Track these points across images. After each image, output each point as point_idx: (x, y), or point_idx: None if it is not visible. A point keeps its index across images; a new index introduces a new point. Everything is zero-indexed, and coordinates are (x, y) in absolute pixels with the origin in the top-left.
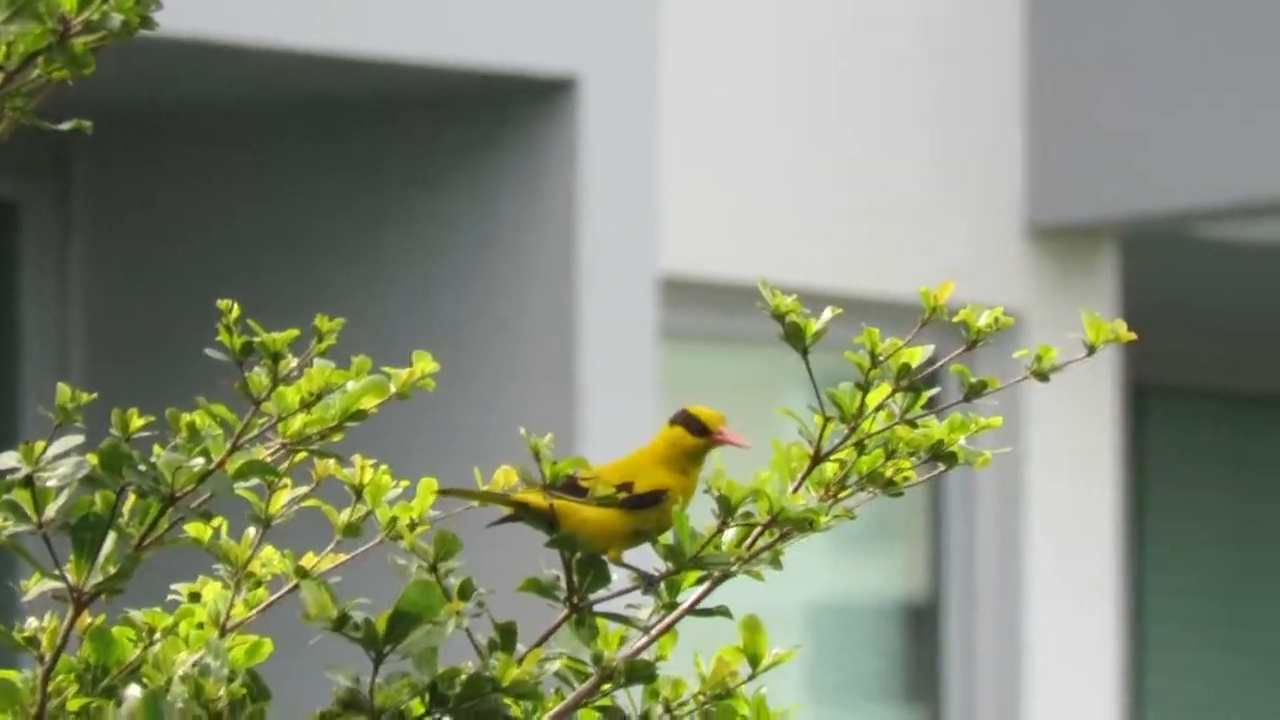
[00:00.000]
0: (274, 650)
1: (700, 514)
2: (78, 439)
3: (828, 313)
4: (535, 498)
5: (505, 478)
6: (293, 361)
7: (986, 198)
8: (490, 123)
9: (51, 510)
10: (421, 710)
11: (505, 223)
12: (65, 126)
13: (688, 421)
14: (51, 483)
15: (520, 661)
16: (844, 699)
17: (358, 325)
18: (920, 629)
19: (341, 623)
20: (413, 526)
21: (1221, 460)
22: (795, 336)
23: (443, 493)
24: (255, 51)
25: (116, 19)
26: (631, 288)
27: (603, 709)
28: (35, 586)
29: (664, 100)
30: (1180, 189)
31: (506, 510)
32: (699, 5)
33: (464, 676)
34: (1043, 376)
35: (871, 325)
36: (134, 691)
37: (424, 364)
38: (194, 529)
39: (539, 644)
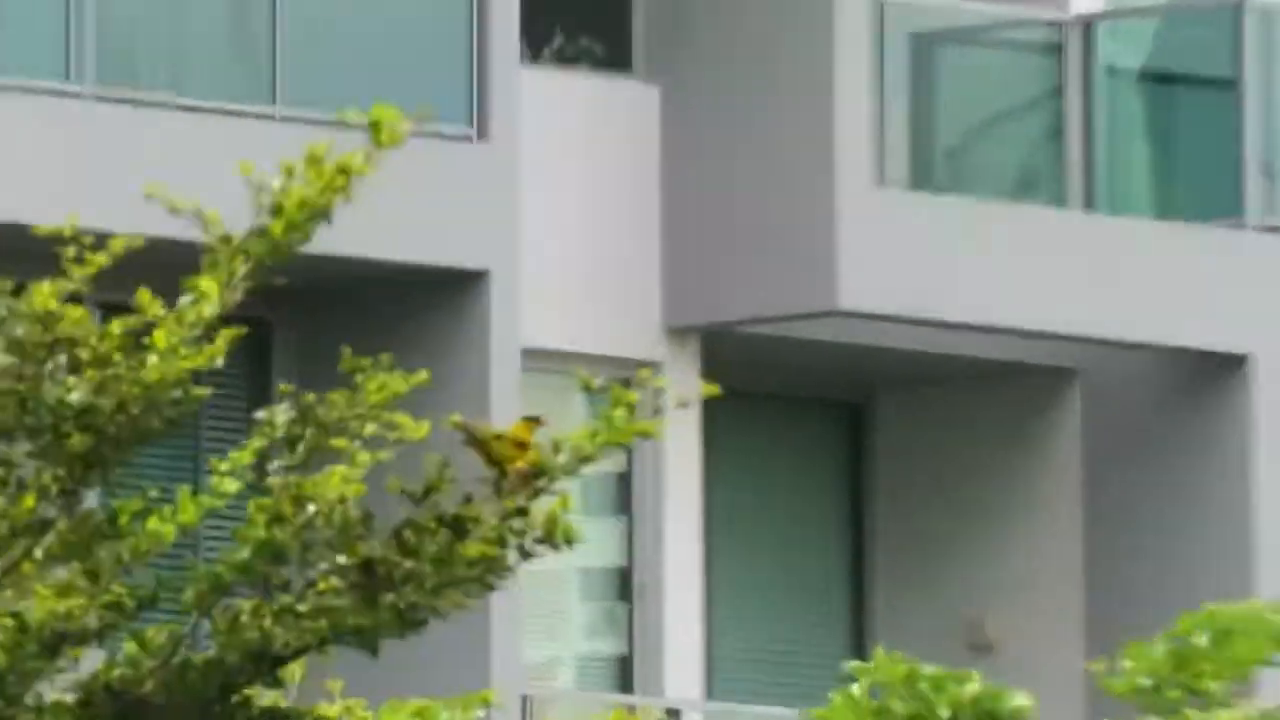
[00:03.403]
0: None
1: None
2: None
3: (599, 380)
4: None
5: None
6: None
7: (646, 312)
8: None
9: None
10: (435, 525)
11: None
12: (279, 282)
13: (535, 417)
14: None
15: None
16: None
17: None
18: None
19: (402, 491)
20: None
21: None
22: (586, 387)
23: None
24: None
25: (298, 239)
26: None
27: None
28: None
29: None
30: (726, 309)
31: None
32: None
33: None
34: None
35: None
36: (310, 506)
37: None
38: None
39: None
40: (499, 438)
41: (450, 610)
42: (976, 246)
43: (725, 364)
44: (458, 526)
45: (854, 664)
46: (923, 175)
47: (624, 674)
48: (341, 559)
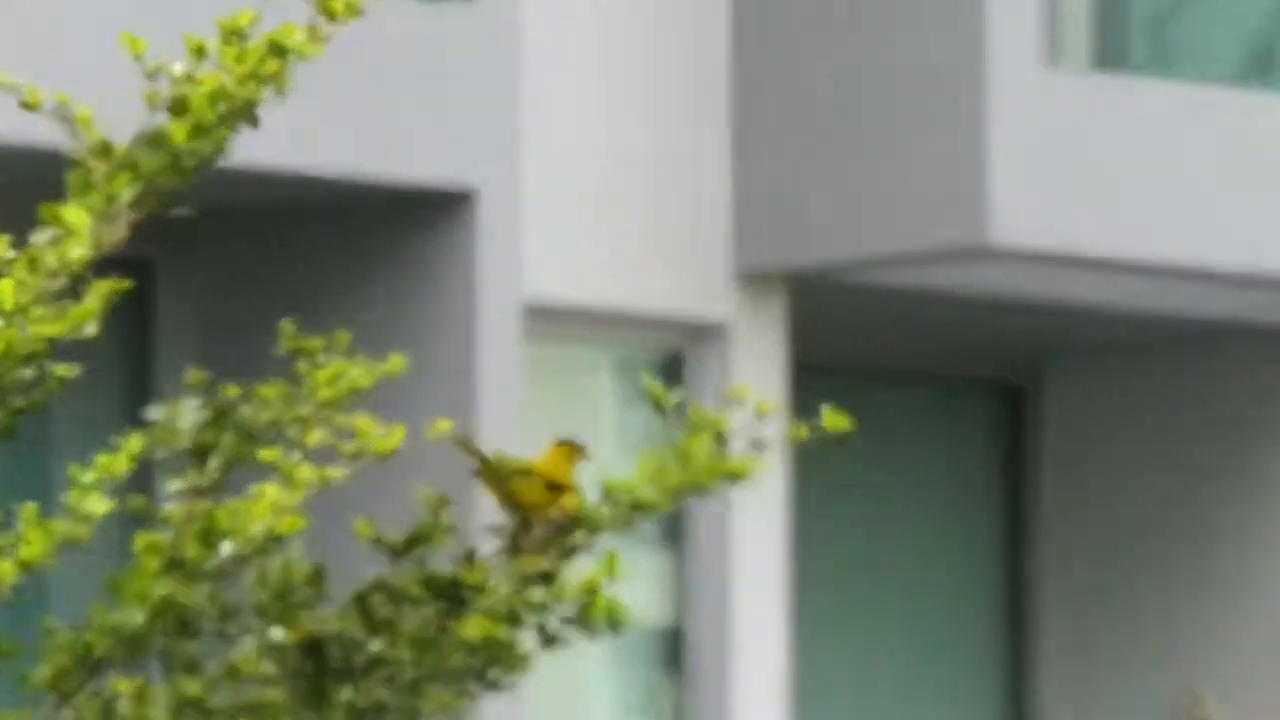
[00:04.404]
0: (308, 538)
1: None
2: (198, 401)
3: (675, 396)
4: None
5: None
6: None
7: (710, 253)
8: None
9: (183, 441)
10: (420, 591)
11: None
12: (178, 212)
13: (575, 444)
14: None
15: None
16: None
17: None
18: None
19: (376, 541)
20: None
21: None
22: (659, 407)
23: (464, 446)
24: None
25: (210, 149)
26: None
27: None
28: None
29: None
30: (823, 248)
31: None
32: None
33: (446, 576)
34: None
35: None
36: (226, 546)
37: None
38: (266, 454)
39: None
40: (526, 473)
41: (434, 715)
42: (1187, 154)
43: (820, 328)
44: (455, 595)
45: None
46: (1113, 53)
47: None
48: (277, 633)
